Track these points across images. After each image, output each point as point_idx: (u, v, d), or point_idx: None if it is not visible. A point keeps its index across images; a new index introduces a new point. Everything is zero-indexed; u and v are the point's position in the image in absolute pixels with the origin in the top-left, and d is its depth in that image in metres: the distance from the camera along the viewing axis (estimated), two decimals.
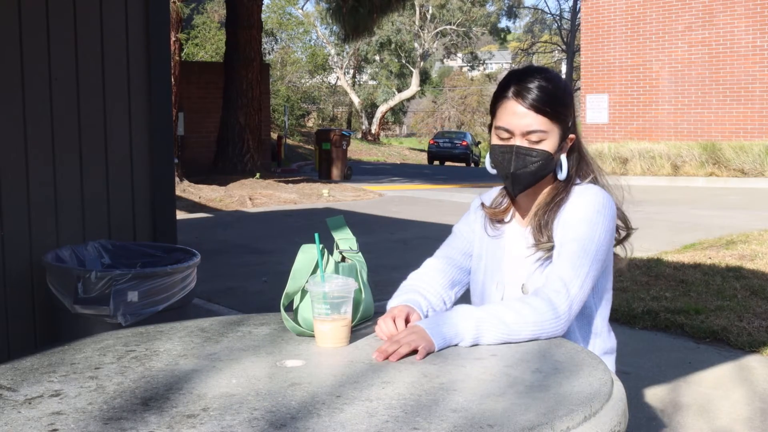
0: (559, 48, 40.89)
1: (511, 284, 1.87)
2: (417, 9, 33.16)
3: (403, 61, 35.20)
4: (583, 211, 1.77)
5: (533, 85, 1.77)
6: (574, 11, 34.53)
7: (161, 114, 3.94)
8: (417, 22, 33.96)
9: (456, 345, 1.58)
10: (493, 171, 1.87)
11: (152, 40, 3.88)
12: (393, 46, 34.67)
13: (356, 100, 35.62)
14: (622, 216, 1.89)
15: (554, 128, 1.78)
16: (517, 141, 1.78)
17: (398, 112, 39.42)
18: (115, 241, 3.67)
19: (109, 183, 3.77)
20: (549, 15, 43.72)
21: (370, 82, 38.86)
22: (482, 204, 1.96)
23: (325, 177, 17.62)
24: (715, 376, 4.05)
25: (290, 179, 16.26)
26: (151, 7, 3.87)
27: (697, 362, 4.26)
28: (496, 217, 1.92)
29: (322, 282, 1.62)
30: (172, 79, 11.93)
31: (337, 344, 1.59)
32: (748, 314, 4.97)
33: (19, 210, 3.49)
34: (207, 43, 26.95)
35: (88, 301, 3.07)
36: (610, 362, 1.91)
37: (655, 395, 3.77)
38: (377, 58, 36.96)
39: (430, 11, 34.00)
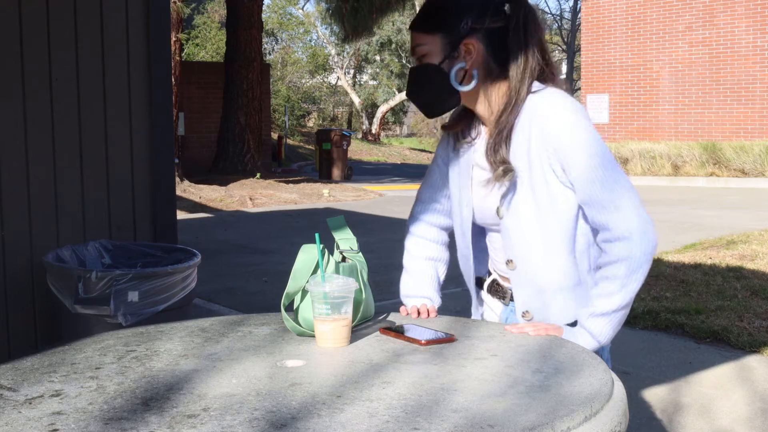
0: (559, 48, 40.90)
1: (480, 206, 1.79)
2: (417, 9, 33.20)
3: (404, 61, 35.18)
4: (569, 137, 1.61)
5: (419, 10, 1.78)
6: (575, 11, 34.53)
7: (161, 114, 3.93)
8: None
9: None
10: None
11: (152, 40, 3.88)
12: (393, 46, 34.64)
13: (357, 100, 35.60)
14: None
15: (435, 39, 1.69)
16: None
17: (399, 112, 39.38)
18: (115, 241, 3.67)
19: (110, 183, 3.77)
20: (549, 15, 43.70)
21: (371, 82, 38.81)
22: (443, 126, 1.89)
23: (325, 177, 17.62)
24: (715, 376, 4.05)
25: (291, 179, 16.26)
26: (151, 7, 3.87)
27: (697, 362, 4.26)
28: (452, 130, 1.83)
29: (322, 282, 1.61)
30: (173, 79, 11.94)
31: (337, 344, 1.59)
32: (748, 314, 4.97)
33: (19, 210, 3.49)
34: (207, 43, 26.95)
35: (89, 301, 3.07)
36: None
37: (655, 395, 3.77)
38: (378, 58, 36.94)
39: None
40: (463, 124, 1.81)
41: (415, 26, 1.74)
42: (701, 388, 3.88)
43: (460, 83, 1.69)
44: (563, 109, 1.64)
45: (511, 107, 1.68)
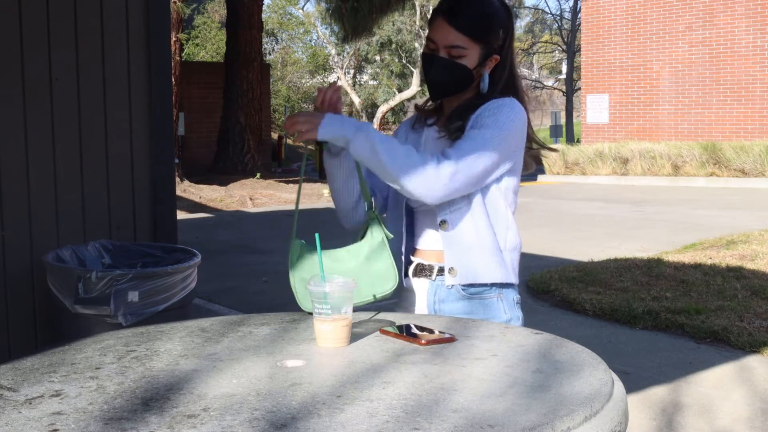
0: (559, 48, 40.87)
1: None
2: (417, 9, 33.11)
3: (404, 61, 35.16)
4: (492, 109, 1.92)
5: (464, 7, 1.96)
6: (575, 11, 34.51)
7: (161, 114, 3.93)
8: (417, 22, 33.93)
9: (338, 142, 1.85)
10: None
11: (153, 40, 3.88)
12: (393, 46, 34.61)
13: (357, 100, 35.55)
14: (531, 132, 2.04)
15: (475, 47, 1.94)
16: (441, 53, 1.97)
17: (399, 112, 39.34)
18: (115, 241, 3.67)
19: (110, 183, 3.77)
20: (549, 15, 43.67)
21: (371, 82, 38.78)
22: (416, 105, 2.15)
23: (325, 177, 17.59)
24: (715, 376, 4.05)
25: (291, 179, 16.25)
26: (151, 7, 3.87)
27: (697, 362, 4.26)
28: (423, 114, 2.10)
29: (322, 282, 1.62)
30: (173, 79, 11.93)
31: (337, 344, 1.59)
32: (748, 314, 4.97)
33: (19, 210, 3.49)
34: (207, 43, 26.95)
35: (89, 301, 3.07)
36: (516, 257, 2.01)
37: (655, 395, 3.78)
38: (378, 58, 36.91)
39: (431, 11, 33.92)
40: (432, 111, 2.10)
41: (460, 28, 1.93)
42: (701, 388, 3.88)
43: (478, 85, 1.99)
44: (500, 104, 1.94)
45: (480, 103, 1.96)
